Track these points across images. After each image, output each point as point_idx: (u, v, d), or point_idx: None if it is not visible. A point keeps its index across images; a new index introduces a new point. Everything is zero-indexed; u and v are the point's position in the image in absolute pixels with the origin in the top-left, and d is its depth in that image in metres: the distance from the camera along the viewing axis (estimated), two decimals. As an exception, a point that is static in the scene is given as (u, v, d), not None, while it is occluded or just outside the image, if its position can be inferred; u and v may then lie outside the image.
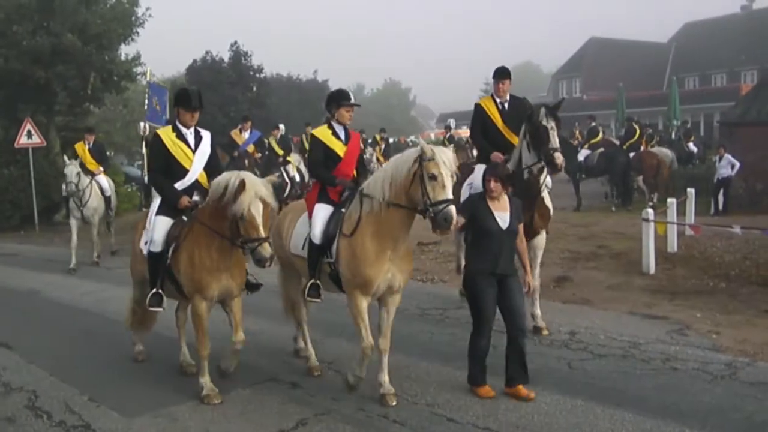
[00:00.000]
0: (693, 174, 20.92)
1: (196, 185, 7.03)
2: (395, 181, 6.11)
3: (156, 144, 7.08)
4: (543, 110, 7.64)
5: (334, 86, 54.63)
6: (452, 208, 5.76)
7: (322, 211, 6.78)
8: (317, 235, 6.64)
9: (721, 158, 18.65)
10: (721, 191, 18.37)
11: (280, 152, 17.51)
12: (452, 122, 39.09)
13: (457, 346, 7.73)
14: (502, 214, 6.39)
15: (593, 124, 21.88)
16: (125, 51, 25.38)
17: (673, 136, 27.97)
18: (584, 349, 7.60)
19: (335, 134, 7.14)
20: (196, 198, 6.92)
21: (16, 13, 21.85)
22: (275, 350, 7.97)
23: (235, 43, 37.19)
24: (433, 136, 34.25)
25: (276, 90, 41.12)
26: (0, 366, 7.86)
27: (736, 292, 10.13)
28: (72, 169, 14.08)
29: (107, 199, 15.28)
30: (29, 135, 22.03)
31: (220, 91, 33.92)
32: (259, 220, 5.94)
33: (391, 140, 35.84)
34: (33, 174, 22.22)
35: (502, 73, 8.69)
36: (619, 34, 62.90)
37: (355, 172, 7.23)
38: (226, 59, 36.86)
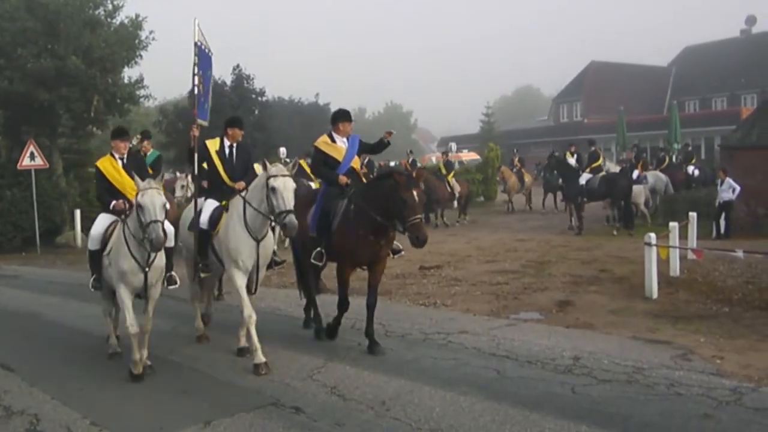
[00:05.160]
0: (694, 198, 20.96)
1: None
2: None
3: None
4: None
5: (335, 109, 54.97)
6: None
7: None
8: None
9: (722, 182, 18.68)
10: (723, 215, 18.38)
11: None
12: (453, 146, 39.27)
13: (461, 371, 7.72)
14: None
15: (593, 148, 22.00)
16: (129, 74, 25.62)
17: (674, 159, 28.07)
18: (588, 374, 7.56)
19: None
20: None
21: (22, 36, 22.03)
22: (277, 374, 7.93)
23: (237, 66, 37.49)
24: (434, 159, 34.15)
25: (277, 113, 41.32)
26: (1, 389, 7.81)
27: (740, 316, 10.11)
28: (156, 198, 7.55)
29: (168, 253, 8.46)
30: (32, 157, 22.13)
31: (222, 115, 34.05)
32: None
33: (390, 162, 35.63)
34: (35, 196, 22.27)
35: None
36: (620, 58, 63.36)
37: None
38: (228, 82, 37.09)
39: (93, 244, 8.66)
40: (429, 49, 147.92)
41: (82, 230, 23.77)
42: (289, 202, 7.87)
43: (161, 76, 37.77)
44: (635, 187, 20.66)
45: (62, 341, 10.32)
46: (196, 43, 9.58)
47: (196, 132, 9.47)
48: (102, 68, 23.35)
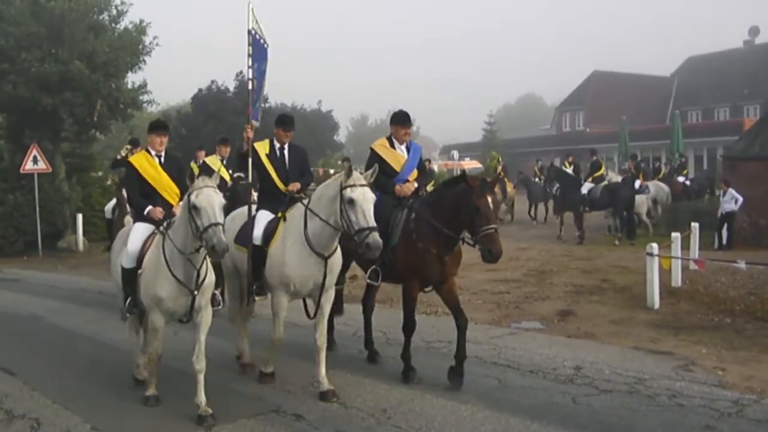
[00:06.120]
0: (697, 208, 20.98)
1: None
2: None
3: None
4: None
5: (338, 116, 55.06)
6: None
7: None
8: None
9: (724, 193, 18.70)
10: (725, 226, 18.39)
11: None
12: (455, 153, 39.27)
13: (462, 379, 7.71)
14: None
15: (595, 157, 22.04)
16: (132, 79, 25.65)
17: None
18: (589, 384, 7.56)
19: None
20: None
21: (26, 40, 22.08)
22: (278, 381, 7.91)
23: (240, 72, 37.47)
24: (435, 167, 34.05)
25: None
26: (3, 393, 7.81)
27: (742, 327, 10.10)
28: (213, 197, 6.43)
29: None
30: (35, 161, 22.19)
31: (225, 121, 34.08)
32: None
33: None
34: (38, 200, 22.29)
35: None
36: (623, 68, 63.40)
37: None
38: (231, 88, 37.14)
39: (128, 261, 7.27)
40: (431, 56, 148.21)
41: (84, 234, 23.85)
42: (371, 217, 6.74)
43: (164, 82, 37.85)
44: (638, 197, 20.67)
45: (63, 345, 10.32)
46: (249, 31, 8.48)
47: (250, 133, 8.27)
48: (105, 73, 23.39)
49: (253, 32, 8.49)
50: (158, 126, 7.90)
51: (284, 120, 8.37)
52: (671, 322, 10.51)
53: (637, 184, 21.95)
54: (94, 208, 24.81)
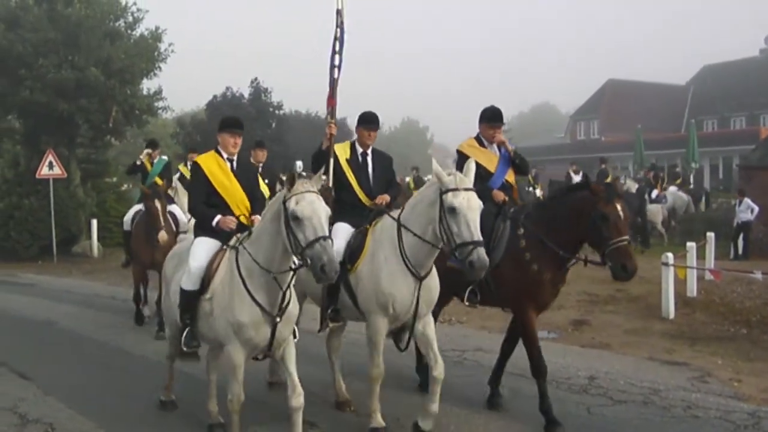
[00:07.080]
0: (712, 218, 20.89)
1: None
2: None
3: None
4: None
5: (353, 124, 55.22)
6: None
7: None
8: None
9: (740, 202, 18.59)
10: (741, 235, 18.27)
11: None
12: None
13: (475, 388, 7.67)
14: None
15: (603, 166, 22.01)
16: (147, 85, 25.77)
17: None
18: (604, 395, 7.51)
19: None
20: None
21: (43, 46, 22.25)
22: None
23: (255, 79, 37.66)
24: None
25: (294, 127, 41.40)
26: (17, 397, 7.84)
27: (758, 338, 10.02)
28: (317, 204, 5.28)
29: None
30: (50, 166, 22.30)
31: (238, 127, 34.20)
32: None
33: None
34: (53, 205, 22.42)
35: None
36: (638, 76, 63.19)
37: None
38: (246, 95, 37.27)
39: (190, 282, 6.04)
40: (447, 63, 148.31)
41: (98, 240, 23.96)
42: (477, 228, 5.52)
43: (179, 89, 38.02)
44: (653, 206, 20.59)
45: (77, 350, 10.37)
46: (338, 11, 7.33)
47: (333, 130, 7.12)
48: (121, 80, 23.50)
49: (341, 15, 7.37)
50: (232, 123, 6.62)
51: (369, 118, 7.23)
52: (686, 332, 10.44)
53: (654, 193, 21.86)
54: (108, 214, 24.94)
